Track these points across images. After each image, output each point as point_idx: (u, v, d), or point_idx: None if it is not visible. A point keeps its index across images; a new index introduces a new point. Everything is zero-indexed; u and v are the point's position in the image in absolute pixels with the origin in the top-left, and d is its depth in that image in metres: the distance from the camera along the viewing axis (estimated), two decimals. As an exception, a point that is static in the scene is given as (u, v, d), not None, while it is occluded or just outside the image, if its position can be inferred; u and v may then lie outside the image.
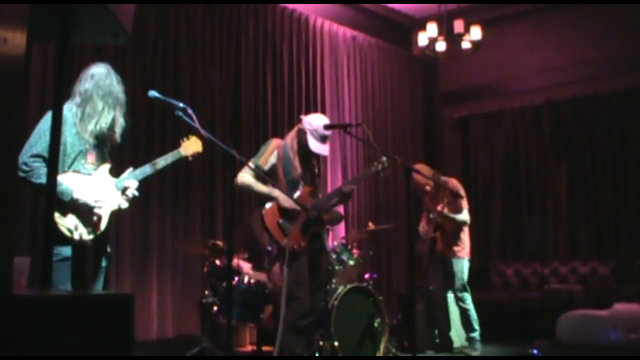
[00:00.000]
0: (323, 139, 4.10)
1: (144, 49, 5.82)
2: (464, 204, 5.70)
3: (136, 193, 3.40)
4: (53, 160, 2.03)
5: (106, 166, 3.34)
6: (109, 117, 3.27)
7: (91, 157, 3.26)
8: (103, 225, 3.27)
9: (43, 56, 5.14)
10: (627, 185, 7.42)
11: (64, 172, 3.15)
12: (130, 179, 3.39)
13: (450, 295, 5.91)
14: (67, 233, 3.12)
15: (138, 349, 5.00)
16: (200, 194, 6.10)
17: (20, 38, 1.66)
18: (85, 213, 3.18)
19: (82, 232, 3.17)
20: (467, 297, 5.69)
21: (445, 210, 5.59)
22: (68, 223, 3.13)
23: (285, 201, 3.97)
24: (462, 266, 5.70)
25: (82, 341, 1.60)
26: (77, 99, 3.26)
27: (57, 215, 3.08)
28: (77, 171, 3.19)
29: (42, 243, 2.02)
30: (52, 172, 2.03)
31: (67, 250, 3.10)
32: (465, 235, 5.77)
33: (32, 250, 4.59)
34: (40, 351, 1.52)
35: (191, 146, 3.69)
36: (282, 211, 4.01)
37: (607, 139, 7.58)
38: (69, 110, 3.22)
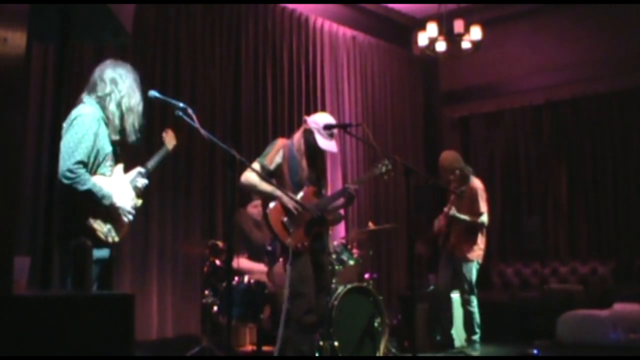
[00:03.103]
0: (330, 135, 4.12)
1: (144, 49, 5.82)
2: (482, 206, 5.67)
3: (140, 186, 3.43)
4: (53, 158, 2.03)
5: (120, 166, 3.38)
6: (129, 121, 3.29)
7: (110, 159, 3.29)
8: (127, 228, 3.33)
9: (43, 56, 5.14)
10: (627, 185, 7.42)
11: (92, 174, 3.18)
12: (142, 178, 3.44)
13: (455, 295, 5.90)
14: (103, 237, 3.16)
15: (138, 349, 4.99)
16: (200, 194, 6.10)
17: (20, 38, 1.66)
18: (118, 218, 3.22)
19: (114, 236, 3.23)
20: (474, 299, 5.67)
21: (452, 210, 5.57)
22: (105, 228, 3.17)
23: (288, 201, 3.98)
24: (471, 268, 5.65)
25: (82, 341, 1.60)
26: (98, 101, 3.25)
27: (97, 221, 3.12)
28: (103, 174, 3.22)
29: (41, 243, 2.02)
30: (53, 170, 2.03)
31: (97, 253, 3.09)
32: (479, 238, 5.72)
33: (32, 250, 4.60)
34: (40, 351, 1.51)
35: (170, 141, 3.75)
36: (286, 210, 4.02)
37: (607, 139, 7.58)
38: (95, 118, 3.20)
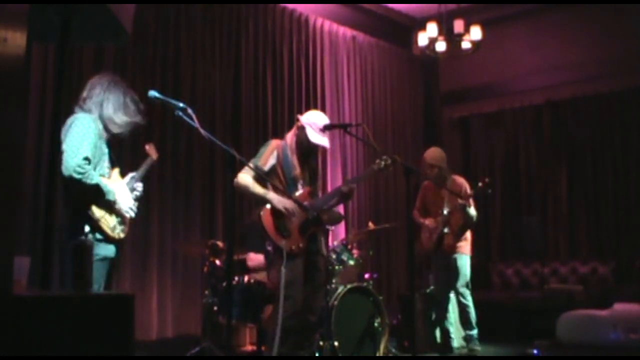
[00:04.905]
0: (322, 131, 4.10)
1: (144, 49, 5.82)
2: (471, 200, 5.71)
3: (138, 193, 3.55)
4: (53, 158, 2.03)
5: (117, 170, 3.49)
6: (121, 123, 3.40)
7: (107, 161, 3.39)
8: (128, 227, 3.44)
9: (43, 56, 5.14)
10: (627, 185, 7.42)
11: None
12: (137, 183, 3.56)
13: (452, 295, 5.89)
14: (109, 232, 3.26)
15: (138, 349, 5.00)
16: (200, 194, 6.10)
17: (20, 38, 1.66)
18: (121, 214, 3.34)
19: (119, 232, 3.33)
20: (468, 293, 5.67)
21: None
22: (111, 222, 3.28)
23: (279, 202, 3.98)
24: (466, 262, 5.68)
25: (82, 341, 1.60)
26: (94, 109, 3.36)
27: (103, 214, 3.25)
28: (102, 175, 3.31)
29: (42, 243, 2.02)
30: (53, 170, 2.03)
31: (104, 250, 3.24)
32: (468, 232, 5.76)
33: (32, 250, 4.60)
34: (40, 351, 1.52)
35: (153, 153, 3.95)
36: (277, 213, 4.01)
37: (607, 139, 7.58)
38: (93, 120, 3.32)
